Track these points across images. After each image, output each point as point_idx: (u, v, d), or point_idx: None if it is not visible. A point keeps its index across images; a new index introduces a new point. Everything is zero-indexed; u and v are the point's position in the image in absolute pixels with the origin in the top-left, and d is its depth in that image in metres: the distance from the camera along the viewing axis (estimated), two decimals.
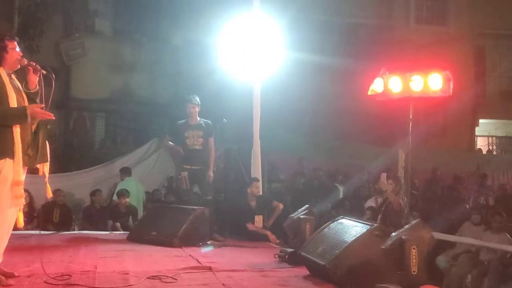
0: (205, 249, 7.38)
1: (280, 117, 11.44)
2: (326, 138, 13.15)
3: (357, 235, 5.38)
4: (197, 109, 8.54)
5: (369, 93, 7.81)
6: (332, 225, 5.86)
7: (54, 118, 4.83)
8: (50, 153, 5.00)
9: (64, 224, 10.01)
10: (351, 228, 5.58)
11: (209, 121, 8.65)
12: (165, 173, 13.31)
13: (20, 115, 4.64)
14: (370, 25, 15.35)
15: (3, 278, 4.64)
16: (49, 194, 5.13)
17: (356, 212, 9.37)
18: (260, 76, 9.16)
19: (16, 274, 4.89)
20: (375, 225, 5.51)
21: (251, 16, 9.04)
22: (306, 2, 12.53)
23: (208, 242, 7.65)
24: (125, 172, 11.38)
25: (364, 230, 5.40)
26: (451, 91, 7.36)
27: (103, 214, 10.40)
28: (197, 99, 8.61)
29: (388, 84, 7.56)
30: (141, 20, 14.94)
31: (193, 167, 8.46)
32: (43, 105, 4.80)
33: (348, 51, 13.54)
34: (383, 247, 4.96)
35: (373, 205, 9.72)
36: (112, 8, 15.03)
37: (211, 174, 8.53)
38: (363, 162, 12.64)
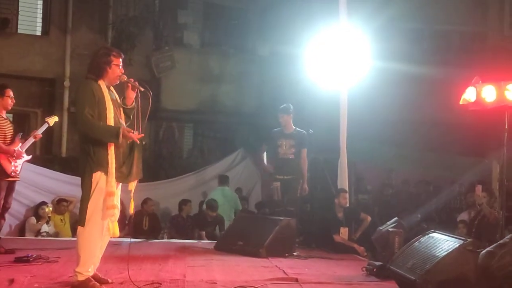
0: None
1: (367, 127, 11.25)
2: (415, 149, 12.82)
3: (449, 250, 5.19)
4: (286, 118, 8.56)
5: (461, 102, 7.58)
6: (423, 239, 5.69)
7: (143, 136, 4.97)
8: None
9: (153, 232, 10.27)
10: (443, 243, 5.39)
11: (303, 132, 8.64)
12: (251, 183, 13.42)
13: (112, 135, 4.78)
14: (462, 32, 14.83)
15: (97, 284, 4.80)
16: (131, 210, 5.26)
17: (447, 226, 9.08)
18: (347, 87, 9.08)
19: (110, 280, 5.05)
20: (469, 239, 5.30)
21: (337, 26, 9.00)
22: (395, 11, 12.29)
23: (294, 253, 7.63)
24: (222, 180, 11.57)
25: (457, 244, 5.20)
26: None
27: (189, 223, 10.60)
28: (288, 108, 8.62)
29: (481, 93, 7.31)
30: (228, 32, 15.18)
31: (285, 177, 8.49)
32: (136, 132, 4.92)
33: (438, 59, 13.16)
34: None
35: (466, 218, 9.38)
36: (200, 21, 15.34)
37: (306, 186, 8.53)
38: (454, 174, 12.24)
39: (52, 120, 7.30)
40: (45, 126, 7.23)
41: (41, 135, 7.18)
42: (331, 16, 9.19)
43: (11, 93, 6.92)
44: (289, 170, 8.48)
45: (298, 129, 8.66)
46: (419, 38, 13.89)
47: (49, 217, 9.53)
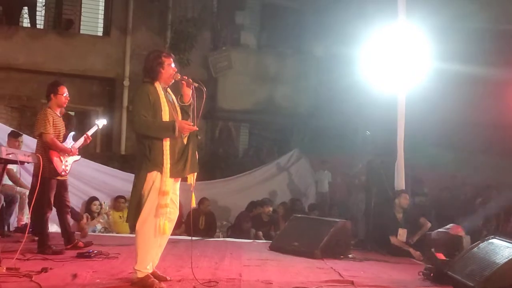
0: None
1: (425, 129, 11.08)
2: (475, 152, 12.53)
3: (510, 257, 5.09)
4: None
5: None
6: (482, 245, 5.59)
7: (197, 129, 5.07)
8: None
9: (209, 230, 10.40)
10: (503, 249, 5.29)
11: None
12: (305, 184, 13.44)
13: (168, 129, 4.90)
14: None
15: (156, 281, 4.90)
16: (193, 204, 5.33)
17: (507, 232, 8.86)
18: (405, 88, 8.97)
19: (168, 278, 5.15)
20: None
21: (396, 26, 8.89)
22: (455, 11, 12.02)
23: (350, 255, 7.60)
24: None
25: None
26: None
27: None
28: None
29: None
30: (285, 33, 15.20)
31: None
32: (190, 122, 5.03)
33: (500, 60, 12.80)
34: None
35: None
36: (257, 22, 15.45)
37: None
38: None
39: (101, 122, 7.40)
40: (95, 128, 7.27)
41: (91, 138, 7.22)
42: (389, 15, 9.08)
43: (65, 91, 6.80)
44: None
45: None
46: (481, 38, 13.53)
47: (106, 213, 9.74)
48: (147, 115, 4.90)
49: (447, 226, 7.35)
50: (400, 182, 8.98)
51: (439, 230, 7.39)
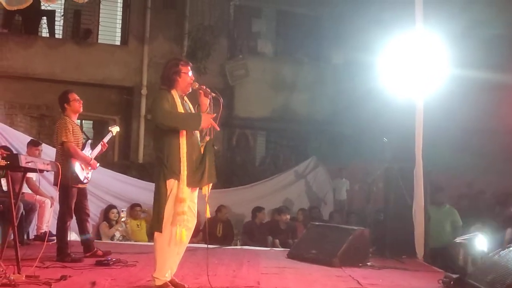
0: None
1: (444, 136, 10.98)
2: (494, 158, 12.41)
3: None
4: None
5: None
6: (503, 252, 5.51)
7: (218, 129, 5.09)
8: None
9: (227, 238, 10.40)
10: None
11: None
12: (323, 191, 13.39)
13: (195, 119, 4.96)
14: None
15: None
16: (208, 215, 5.30)
17: None
18: (423, 94, 8.91)
19: (186, 286, 5.13)
20: None
21: (413, 33, 8.85)
22: (473, 17, 11.96)
23: (368, 263, 7.54)
24: None
25: None
26: None
27: (263, 230, 10.66)
28: None
29: None
30: (301, 40, 15.20)
31: None
32: (215, 115, 5.04)
33: None
34: None
35: None
36: (273, 30, 15.49)
37: None
38: None
39: (115, 129, 7.47)
40: (109, 135, 7.34)
41: (107, 145, 7.29)
42: (407, 22, 9.04)
43: (75, 96, 6.88)
44: None
45: None
46: (498, 44, 13.44)
47: (123, 222, 9.79)
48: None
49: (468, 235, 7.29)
50: (418, 189, 8.89)
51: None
